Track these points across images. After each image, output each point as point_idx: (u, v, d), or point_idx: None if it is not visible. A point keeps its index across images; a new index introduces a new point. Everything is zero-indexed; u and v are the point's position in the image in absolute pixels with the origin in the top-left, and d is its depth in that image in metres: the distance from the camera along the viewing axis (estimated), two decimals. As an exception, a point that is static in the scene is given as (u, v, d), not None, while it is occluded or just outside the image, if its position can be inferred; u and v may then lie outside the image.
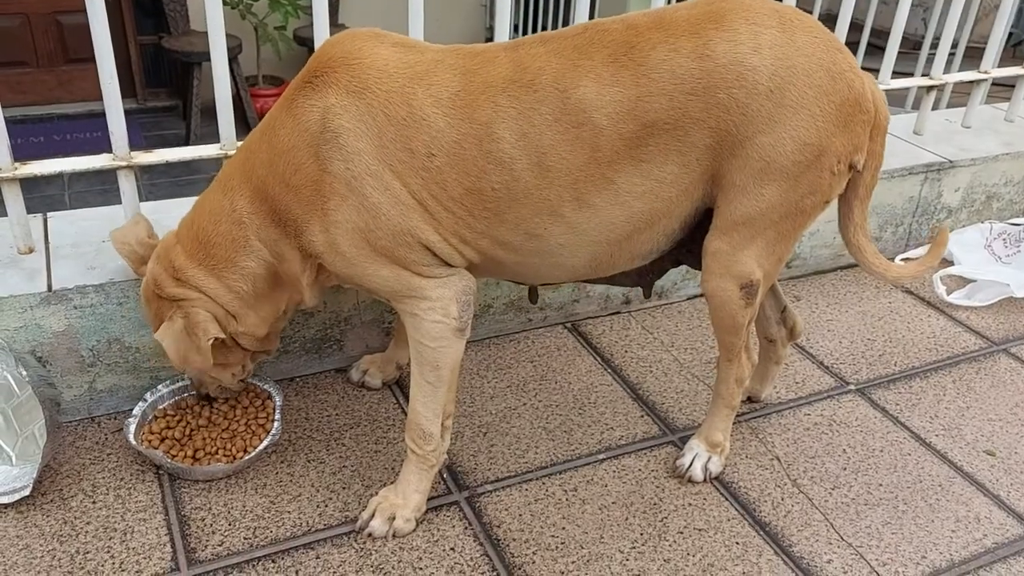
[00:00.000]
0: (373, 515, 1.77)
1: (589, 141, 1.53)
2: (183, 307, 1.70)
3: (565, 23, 5.84)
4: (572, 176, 1.55)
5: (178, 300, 1.70)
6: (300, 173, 1.56)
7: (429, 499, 1.82)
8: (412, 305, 1.65)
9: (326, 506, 1.84)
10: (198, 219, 1.71)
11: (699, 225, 1.70)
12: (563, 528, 1.82)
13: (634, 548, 1.79)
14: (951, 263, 2.92)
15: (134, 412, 1.96)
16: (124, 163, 1.99)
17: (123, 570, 1.67)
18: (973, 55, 3.99)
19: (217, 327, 1.70)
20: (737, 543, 1.81)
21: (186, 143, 5.47)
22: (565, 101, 1.51)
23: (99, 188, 4.59)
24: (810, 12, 4.94)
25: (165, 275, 1.71)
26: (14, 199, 1.95)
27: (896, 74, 2.92)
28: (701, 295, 1.83)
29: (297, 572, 1.68)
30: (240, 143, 2.06)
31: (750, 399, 2.22)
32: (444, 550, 1.75)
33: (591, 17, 2.37)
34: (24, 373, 1.78)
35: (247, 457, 1.89)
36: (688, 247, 1.77)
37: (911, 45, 5.81)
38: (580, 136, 1.53)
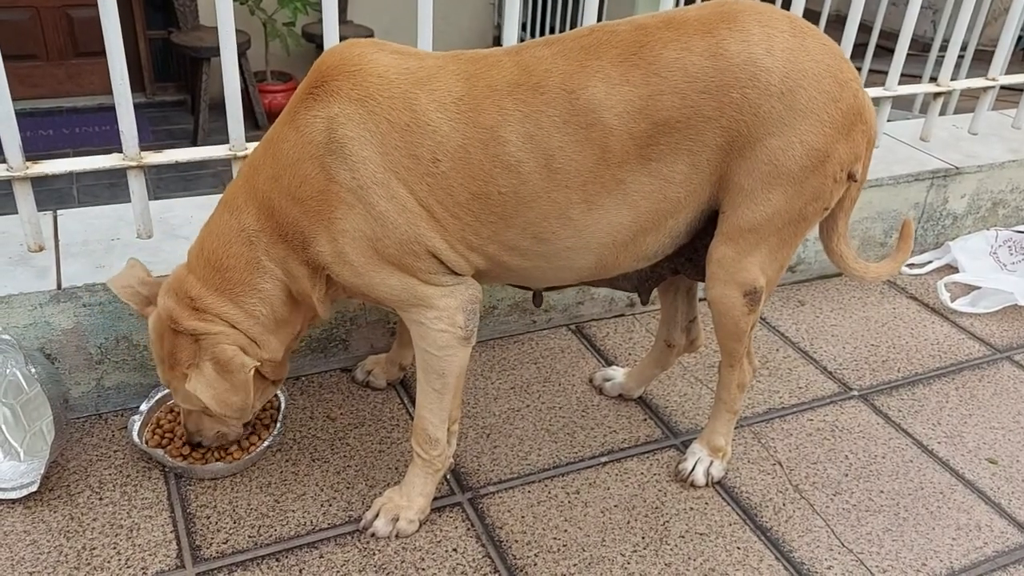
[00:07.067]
0: (377, 515, 1.79)
1: (599, 142, 1.53)
2: (204, 346, 1.63)
3: (573, 22, 5.84)
4: (581, 178, 1.55)
5: (199, 335, 1.63)
6: (306, 185, 1.54)
7: (432, 500, 1.84)
8: (419, 314, 1.64)
9: (330, 505, 1.86)
10: (207, 243, 1.65)
11: (699, 234, 1.71)
12: (565, 530, 1.84)
13: (635, 552, 1.80)
14: (956, 270, 2.92)
15: (140, 409, 1.98)
16: (134, 163, 2.00)
17: (129, 567, 1.68)
18: (982, 58, 3.98)
19: (250, 357, 1.64)
20: (738, 548, 1.82)
21: (194, 138, 5.49)
22: (574, 102, 1.51)
23: (107, 182, 4.61)
24: (819, 13, 4.96)
25: (180, 308, 1.64)
26: (25, 197, 1.96)
27: (904, 76, 2.92)
28: (703, 300, 1.84)
29: (301, 571, 1.70)
30: (249, 144, 2.09)
31: (620, 396, 2.25)
32: (447, 551, 1.77)
33: (600, 14, 2.38)
34: (33, 370, 1.79)
35: (247, 457, 1.91)
36: (688, 255, 1.77)
37: (919, 47, 5.80)
38: (589, 137, 1.52)
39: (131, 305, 1.77)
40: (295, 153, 1.54)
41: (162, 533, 1.76)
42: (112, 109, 1.94)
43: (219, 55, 2.00)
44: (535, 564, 1.75)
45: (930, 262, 3.01)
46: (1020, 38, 5.97)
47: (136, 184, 2.04)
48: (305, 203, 1.55)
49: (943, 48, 4.06)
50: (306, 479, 1.92)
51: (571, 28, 1.69)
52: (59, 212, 2.20)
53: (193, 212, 2.24)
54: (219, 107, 2.12)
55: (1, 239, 2.06)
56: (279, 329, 1.72)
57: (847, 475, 2.04)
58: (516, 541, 1.80)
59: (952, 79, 3.04)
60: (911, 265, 3.00)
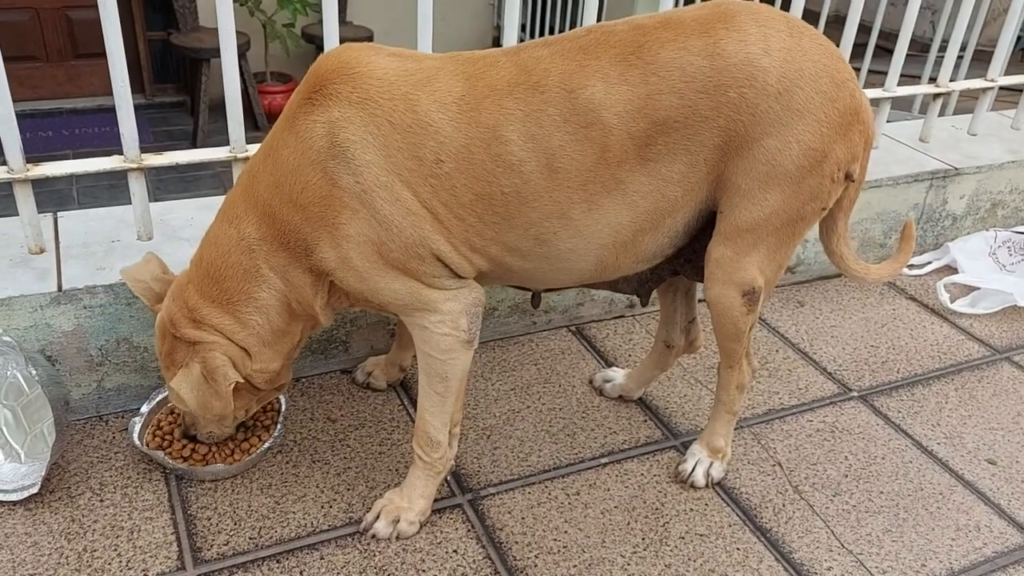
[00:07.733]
0: (378, 517, 1.79)
1: (598, 141, 1.53)
2: (199, 351, 1.66)
3: (573, 23, 5.84)
4: (582, 177, 1.55)
5: (194, 343, 1.66)
6: (308, 191, 1.53)
7: (432, 501, 1.84)
8: (422, 318, 1.64)
9: (330, 507, 1.86)
10: (207, 253, 1.67)
11: (698, 235, 1.72)
12: (565, 532, 1.84)
13: (635, 553, 1.80)
14: (955, 271, 2.93)
15: (141, 411, 1.98)
16: (135, 165, 2.00)
17: (129, 568, 1.69)
18: (981, 58, 3.99)
19: (235, 371, 1.67)
20: (738, 549, 1.83)
21: (194, 139, 5.49)
22: (573, 101, 1.51)
23: (107, 184, 4.61)
24: (818, 13, 4.96)
25: (180, 315, 1.67)
26: (25, 199, 1.96)
27: (903, 77, 2.92)
28: (702, 300, 1.84)
29: (301, 572, 1.70)
30: (249, 145, 2.09)
31: (620, 397, 2.25)
32: (447, 552, 1.77)
33: (600, 15, 2.38)
34: (34, 372, 1.79)
35: (247, 458, 1.91)
36: (687, 257, 1.78)
37: (918, 48, 5.80)
38: (589, 136, 1.52)
39: (142, 300, 1.79)
40: (296, 159, 1.53)
41: (163, 535, 1.77)
42: (112, 110, 1.95)
43: (219, 56, 2.00)
44: (535, 565, 1.76)
45: (929, 263, 3.01)
46: (1019, 38, 5.98)
47: (136, 186, 2.04)
48: (308, 209, 1.54)
49: (942, 49, 4.07)
50: (307, 481, 1.92)
51: (571, 29, 1.69)
52: (59, 214, 2.20)
53: (193, 214, 2.24)
54: (218, 108, 2.12)
55: (2, 241, 2.06)
56: (276, 340, 1.71)
57: (847, 476, 2.04)
58: (516, 542, 1.81)
59: (951, 80, 3.04)
60: (910, 266, 3.00)
